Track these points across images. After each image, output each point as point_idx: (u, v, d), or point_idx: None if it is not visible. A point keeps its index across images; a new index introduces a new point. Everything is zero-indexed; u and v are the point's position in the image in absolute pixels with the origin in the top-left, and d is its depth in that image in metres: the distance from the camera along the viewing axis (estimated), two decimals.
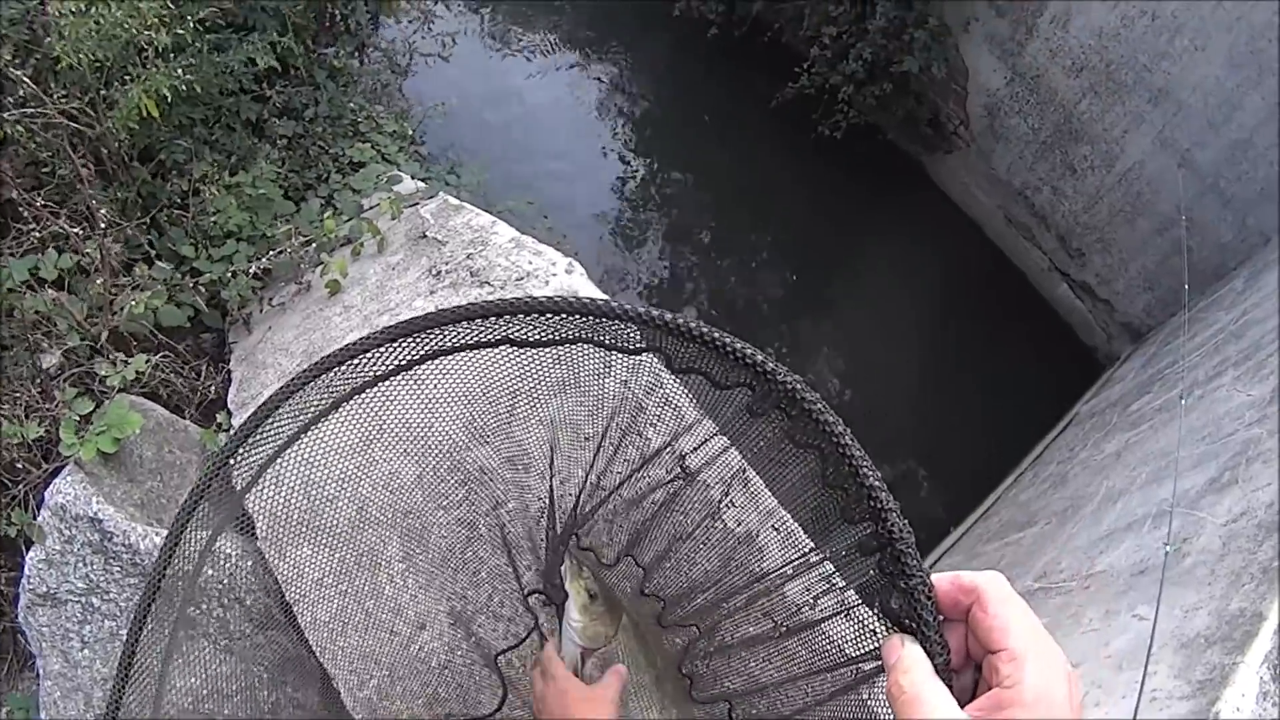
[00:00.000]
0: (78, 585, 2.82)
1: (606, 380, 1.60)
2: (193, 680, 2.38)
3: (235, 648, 2.92)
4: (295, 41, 4.67)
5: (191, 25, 3.59)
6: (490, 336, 1.33)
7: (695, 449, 1.66)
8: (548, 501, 1.87)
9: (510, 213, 5.34)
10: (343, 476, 2.97)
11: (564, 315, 1.24)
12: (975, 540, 5.48)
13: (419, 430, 2.23)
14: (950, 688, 0.76)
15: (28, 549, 2.79)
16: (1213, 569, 3.20)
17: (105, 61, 3.45)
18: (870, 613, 0.95)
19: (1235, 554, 3.18)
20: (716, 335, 1.08)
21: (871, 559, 0.90)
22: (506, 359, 1.69)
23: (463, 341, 1.34)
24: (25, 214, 3.19)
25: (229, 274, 3.85)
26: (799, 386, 0.95)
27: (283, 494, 2.87)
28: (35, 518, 2.80)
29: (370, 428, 2.95)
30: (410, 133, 5.41)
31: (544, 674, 1.56)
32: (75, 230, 3.27)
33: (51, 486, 2.82)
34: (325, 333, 3.80)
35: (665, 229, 7.64)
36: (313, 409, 1.40)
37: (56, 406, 3.02)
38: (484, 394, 2.00)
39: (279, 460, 1.49)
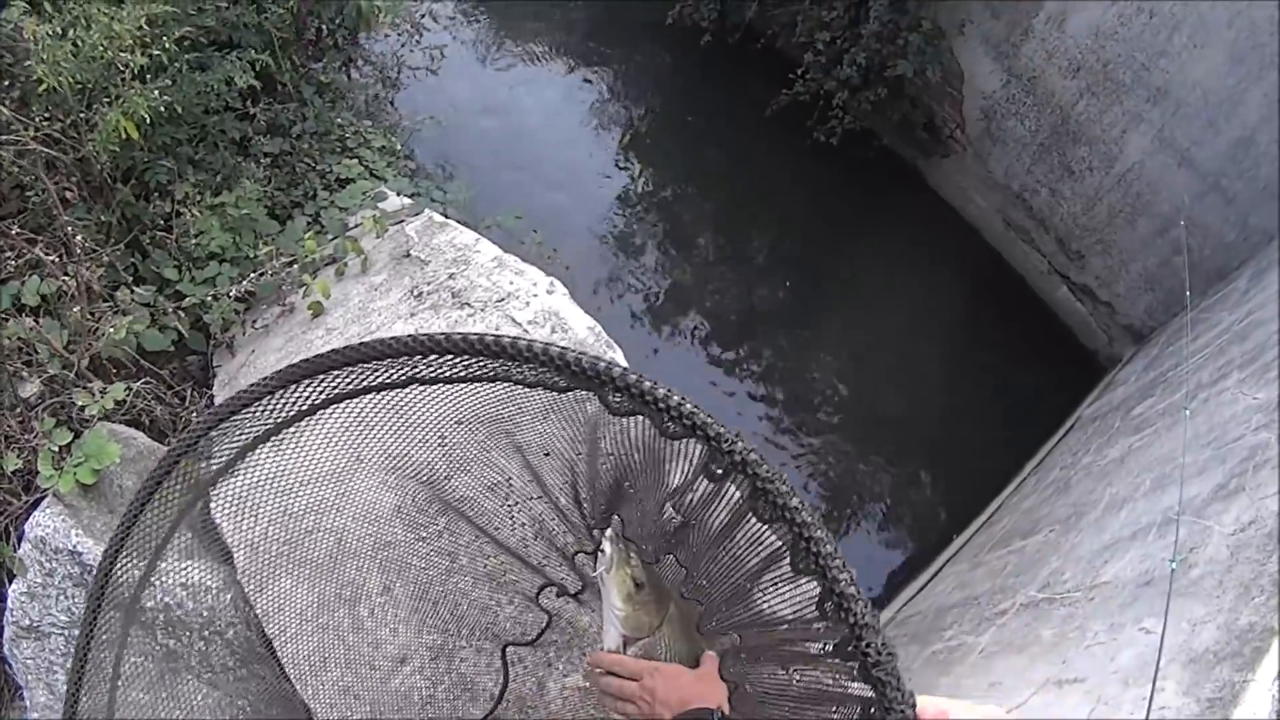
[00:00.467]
0: (60, 618, 2.78)
1: (589, 405, 1.54)
2: (176, 713, 2.33)
3: (219, 681, 2.86)
4: (281, 58, 4.63)
5: (168, 46, 3.54)
6: (401, 377, 1.29)
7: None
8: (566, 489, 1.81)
9: (499, 227, 5.28)
10: (321, 507, 2.92)
11: (479, 357, 1.20)
12: (978, 548, 5.41)
13: (398, 460, 2.17)
14: None
15: (10, 581, 2.76)
16: (1221, 580, 3.12)
17: (86, 83, 3.42)
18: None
19: (1244, 564, 3.10)
20: (650, 387, 1.05)
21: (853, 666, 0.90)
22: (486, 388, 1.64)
23: (384, 381, 1.30)
24: (1, 242, 3.15)
25: (212, 296, 3.81)
26: (747, 453, 0.94)
27: (261, 525, 2.82)
28: (16, 550, 2.76)
29: (348, 457, 2.89)
30: (399, 147, 5.37)
31: (647, 672, 1.51)
32: (52, 258, 3.22)
33: (31, 519, 2.79)
34: (307, 356, 3.73)
35: (661, 237, 7.59)
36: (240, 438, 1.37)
37: (35, 437, 2.98)
38: (462, 422, 1.94)
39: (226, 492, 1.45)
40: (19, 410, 2.99)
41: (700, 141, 8.53)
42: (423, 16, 5.97)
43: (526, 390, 1.31)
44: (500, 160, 7.60)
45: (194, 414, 3.74)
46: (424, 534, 2.62)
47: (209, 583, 2.95)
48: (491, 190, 6.77)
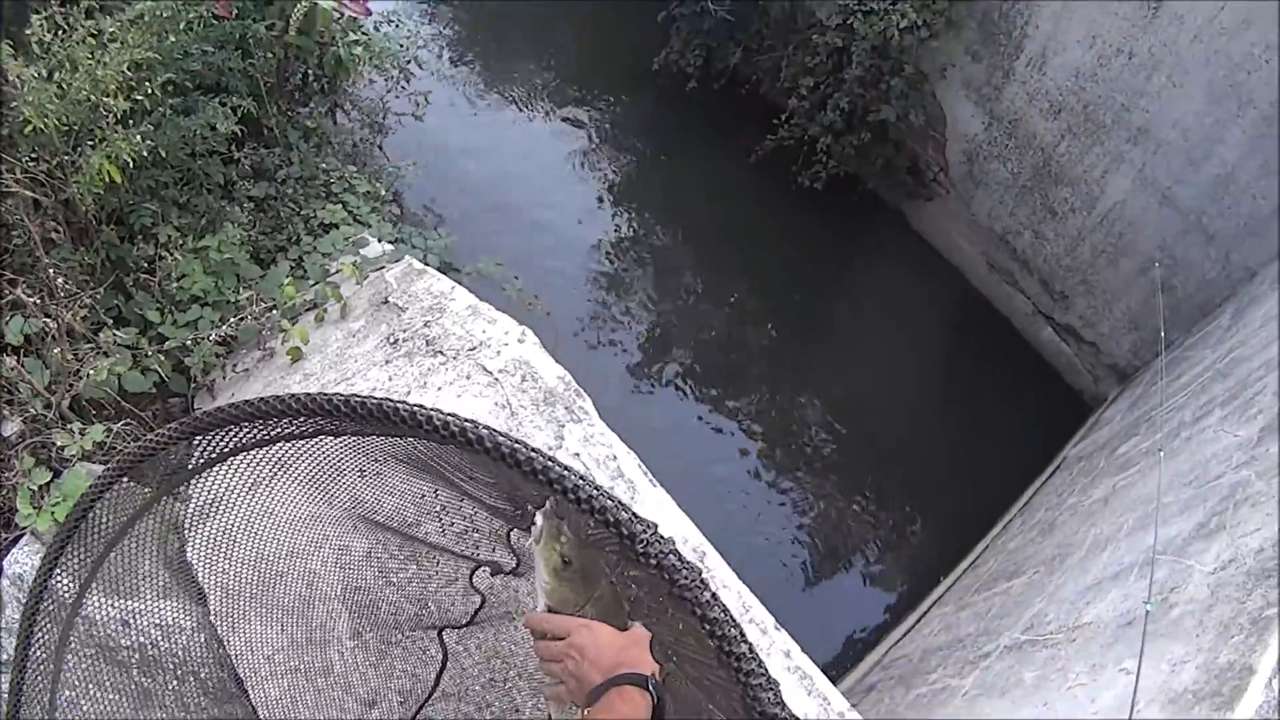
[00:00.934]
0: (37, 655, 2.76)
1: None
2: None
3: None
4: (267, 102, 4.67)
5: (153, 90, 3.57)
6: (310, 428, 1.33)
7: None
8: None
9: (480, 274, 5.30)
10: (293, 551, 2.92)
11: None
12: (964, 590, 5.39)
13: (370, 506, 2.18)
14: None
15: None
16: (1201, 620, 3.12)
17: (71, 126, 3.44)
18: None
19: (1224, 603, 3.09)
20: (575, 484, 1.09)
21: None
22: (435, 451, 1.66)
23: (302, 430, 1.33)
24: None
25: (193, 340, 3.81)
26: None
27: (235, 567, 2.82)
28: None
29: (320, 503, 2.90)
30: (383, 193, 5.38)
31: (574, 629, 1.47)
32: (34, 299, 3.23)
33: (9, 556, 2.79)
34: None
35: (645, 282, 7.62)
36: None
37: (15, 475, 2.98)
38: (435, 468, 1.95)
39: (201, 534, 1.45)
40: None
41: (685, 186, 8.59)
42: (408, 62, 6.02)
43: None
44: (484, 205, 7.65)
45: (173, 457, 3.73)
46: (394, 579, 2.62)
47: (183, 623, 2.93)
48: (474, 235, 6.81)
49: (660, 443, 6.26)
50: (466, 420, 1.22)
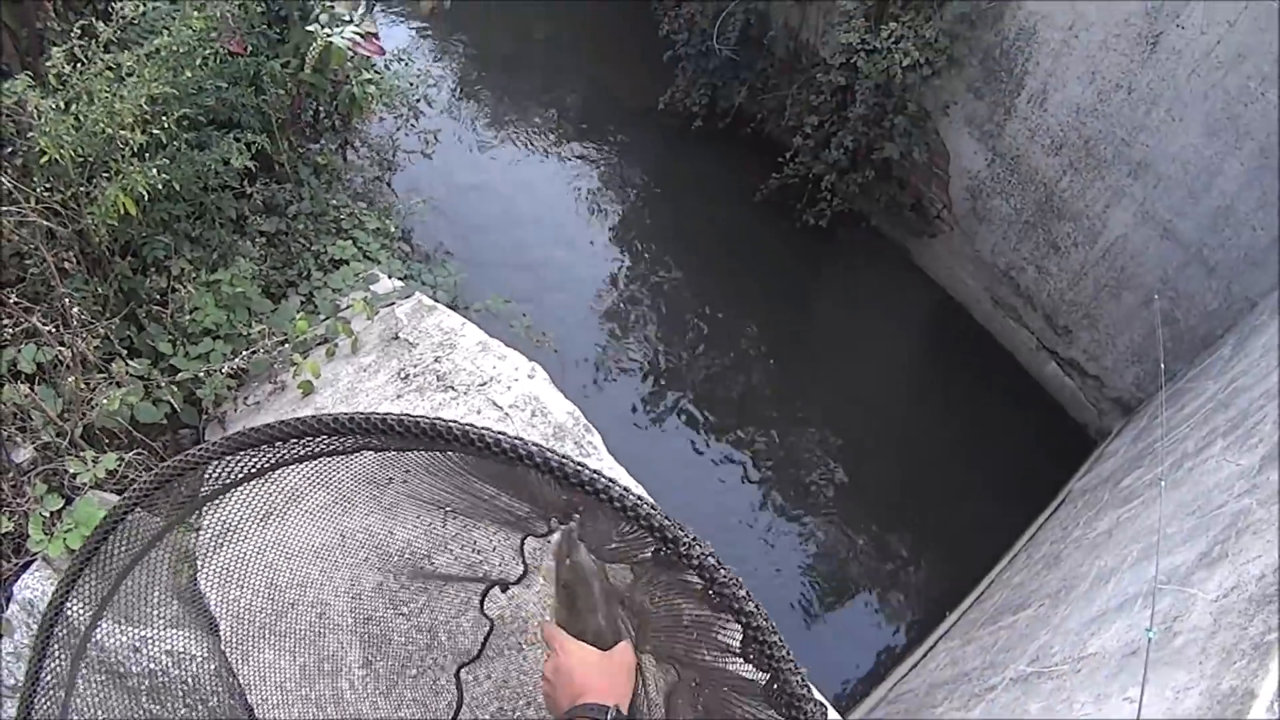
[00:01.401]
0: (46, 680, 2.78)
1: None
2: None
3: None
4: (279, 138, 4.74)
5: (168, 125, 3.64)
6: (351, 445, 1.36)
7: None
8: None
9: (488, 310, 5.35)
10: (305, 581, 2.96)
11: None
12: (970, 625, 5.38)
13: (381, 537, 2.21)
14: None
15: None
16: (1204, 647, 3.12)
17: (87, 157, 3.51)
18: None
19: (1226, 630, 3.10)
20: (605, 485, 1.14)
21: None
22: (466, 466, 1.69)
23: (335, 448, 1.36)
24: None
25: (205, 372, 3.86)
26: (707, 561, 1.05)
27: (247, 597, 2.85)
28: (4, 612, 2.79)
29: (332, 534, 2.94)
30: (393, 229, 5.45)
31: (559, 649, 1.49)
32: (49, 328, 3.28)
33: (20, 581, 2.82)
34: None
35: (654, 319, 7.67)
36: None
37: (27, 502, 3.02)
38: (446, 500, 1.99)
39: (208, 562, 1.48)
40: (11, 475, 3.03)
41: (691, 224, 8.66)
42: (418, 100, 6.11)
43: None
44: (492, 242, 7.73)
45: (184, 486, 3.77)
46: (405, 610, 2.65)
47: (194, 651, 2.96)
48: (483, 272, 6.88)
49: (667, 476, 6.28)
50: (517, 439, 1.26)
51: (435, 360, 3.95)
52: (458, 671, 2.53)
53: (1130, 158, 5.99)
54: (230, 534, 3.38)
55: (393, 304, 4.43)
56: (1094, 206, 6.34)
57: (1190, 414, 5.01)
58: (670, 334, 7.59)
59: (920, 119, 7.19)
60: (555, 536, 1.57)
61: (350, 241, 5.01)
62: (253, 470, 1.47)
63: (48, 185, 3.45)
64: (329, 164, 5.43)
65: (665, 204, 8.89)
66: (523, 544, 2.20)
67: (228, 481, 1.42)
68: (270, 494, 3.57)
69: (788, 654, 1.04)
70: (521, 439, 1.27)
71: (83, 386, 3.34)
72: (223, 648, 2.97)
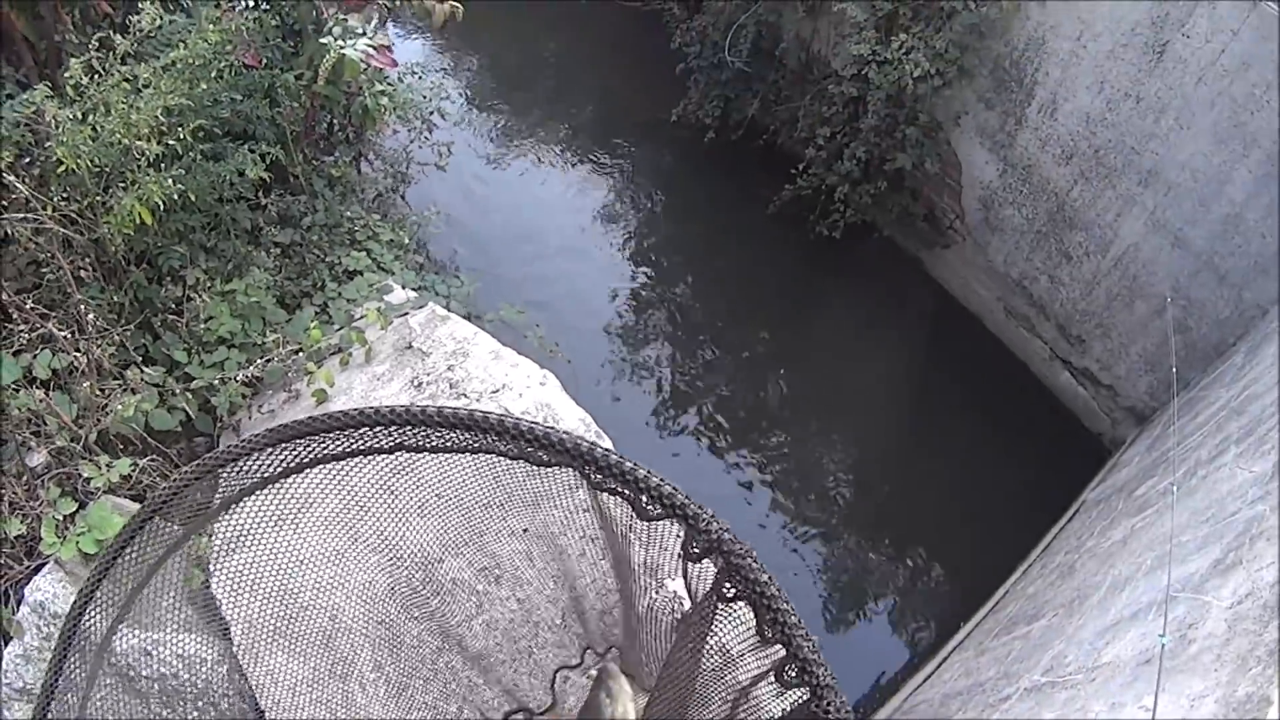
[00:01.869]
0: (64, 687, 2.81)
1: (578, 493, 1.60)
2: None
3: None
4: (293, 151, 4.79)
5: (184, 136, 3.68)
6: (388, 443, 1.37)
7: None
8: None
9: (502, 321, 5.38)
10: (317, 585, 2.98)
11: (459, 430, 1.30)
12: (984, 635, 5.36)
13: (393, 541, 2.23)
14: None
15: (6, 644, 2.81)
16: (1219, 654, 3.11)
17: (104, 167, 3.56)
18: None
19: (1241, 637, 3.08)
20: (631, 467, 1.15)
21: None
22: (478, 471, 1.70)
23: (359, 447, 1.37)
24: (15, 315, 3.26)
25: (220, 380, 3.90)
26: (724, 533, 1.06)
27: (259, 601, 2.87)
28: (15, 613, 2.81)
29: (345, 539, 2.96)
30: (407, 241, 5.48)
31: None
32: (64, 333, 3.32)
33: (32, 583, 2.85)
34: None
35: (667, 330, 7.68)
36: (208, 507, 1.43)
37: (40, 505, 3.05)
38: (456, 506, 2.01)
39: (232, 563, 1.50)
40: (25, 478, 3.06)
41: (704, 236, 8.69)
42: (431, 114, 6.16)
43: (510, 464, 1.38)
44: (505, 254, 7.77)
45: (198, 495, 3.81)
46: (416, 614, 2.66)
47: (205, 655, 2.98)
48: (496, 283, 6.91)
49: (680, 485, 6.24)
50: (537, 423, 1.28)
51: (448, 368, 3.99)
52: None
53: (1140, 166, 5.98)
54: (242, 540, 3.41)
55: (406, 314, 4.47)
56: (1105, 215, 6.33)
57: (1203, 422, 4.98)
58: (683, 345, 7.60)
59: (932, 129, 7.20)
60: (596, 671, 1.60)
61: (364, 253, 5.05)
62: (288, 467, 1.48)
63: (65, 194, 3.50)
64: (343, 176, 5.48)
65: (678, 215, 8.91)
66: (555, 676, 2.22)
67: (262, 477, 1.43)
68: (283, 500, 3.60)
69: (800, 622, 1.06)
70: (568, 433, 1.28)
71: (98, 393, 3.38)
72: (235, 651, 3.00)
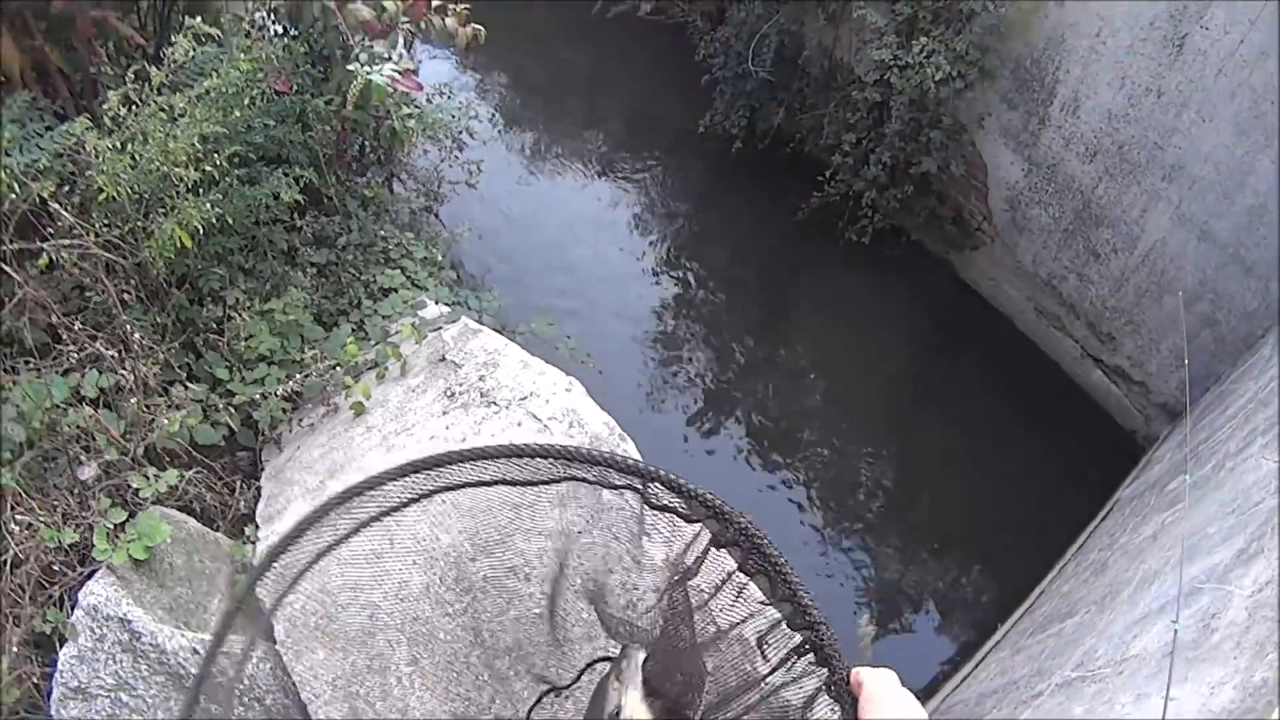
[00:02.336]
0: (107, 681, 2.96)
1: (602, 492, 1.69)
2: None
3: None
4: (327, 173, 4.93)
5: (220, 162, 3.82)
6: (488, 477, 1.45)
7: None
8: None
9: (533, 333, 5.47)
10: (356, 584, 3.08)
11: (552, 460, 1.38)
12: (1019, 635, 5.37)
13: (427, 543, 2.35)
14: None
15: (61, 645, 2.95)
16: (1238, 642, 3.14)
17: (144, 194, 3.71)
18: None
19: (1260, 624, 3.11)
20: (685, 485, 1.25)
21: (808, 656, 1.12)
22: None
23: (464, 480, 1.46)
24: (64, 336, 3.42)
25: (261, 395, 4.03)
26: (750, 524, 1.12)
27: (300, 601, 2.99)
28: (69, 617, 2.96)
29: (383, 540, 3.06)
30: (440, 258, 5.59)
31: None
32: (111, 353, 3.47)
33: (85, 588, 3.00)
34: (347, 451, 3.99)
35: (699, 339, 7.75)
36: (327, 536, 1.53)
37: (92, 515, 3.19)
38: (486, 508, 2.12)
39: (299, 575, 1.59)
40: (76, 491, 3.21)
41: (734, 245, 8.76)
42: (461, 132, 6.28)
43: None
44: (537, 268, 7.88)
45: (241, 503, 3.96)
46: (450, 610, 2.77)
47: (250, 653, 3.10)
48: (527, 297, 7.01)
49: (716, 490, 6.26)
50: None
51: (479, 379, 4.11)
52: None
53: (1164, 161, 5.98)
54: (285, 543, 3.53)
55: (440, 328, 4.59)
56: (1131, 212, 6.32)
57: (1232, 414, 4.98)
58: (715, 352, 7.66)
59: (956, 132, 7.23)
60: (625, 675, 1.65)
61: (399, 270, 5.16)
62: (408, 499, 1.57)
63: (106, 221, 3.64)
64: (376, 196, 5.61)
65: (708, 225, 8.98)
66: (584, 668, 2.30)
67: (387, 507, 1.52)
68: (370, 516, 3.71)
69: (813, 601, 1.14)
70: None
71: (144, 409, 3.53)
72: (279, 649, 3.13)
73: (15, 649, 2.90)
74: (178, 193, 3.73)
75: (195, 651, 2.97)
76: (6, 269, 3.31)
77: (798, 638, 1.13)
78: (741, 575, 1.30)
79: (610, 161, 9.43)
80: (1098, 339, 7.01)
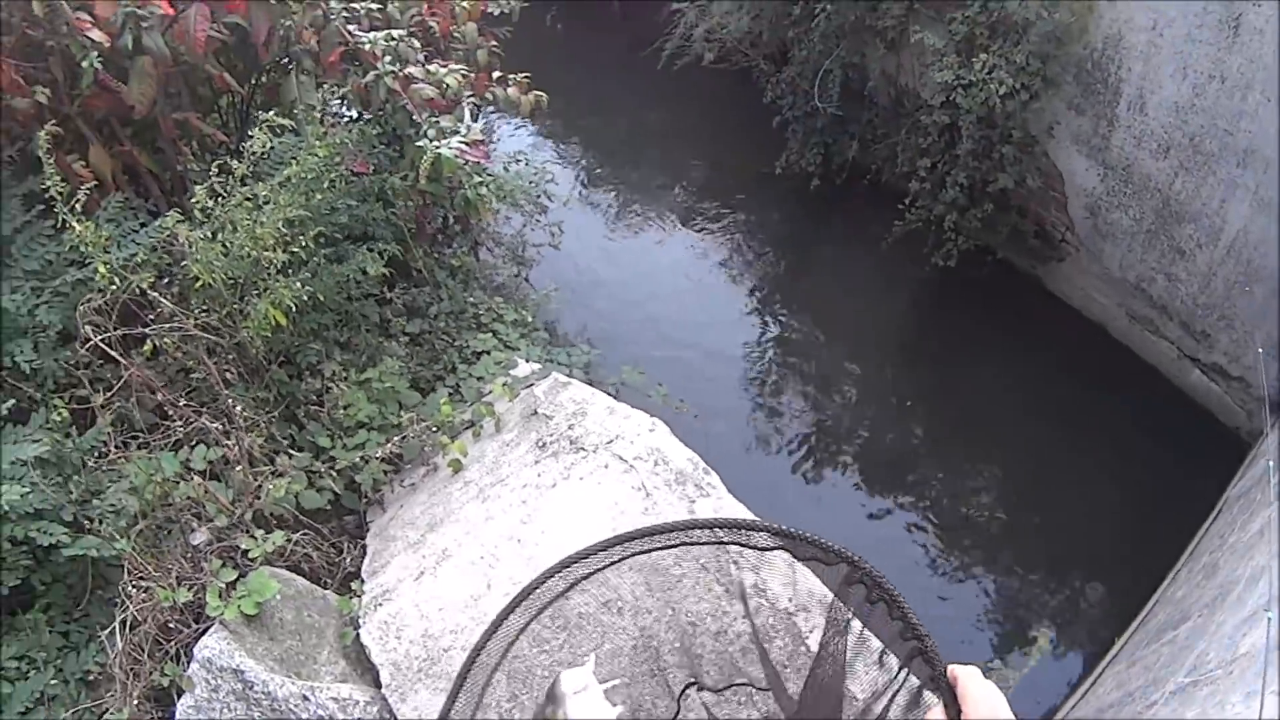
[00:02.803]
0: None
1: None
2: None
3: None
4: (413, 246, 5.21)
5: (306, 243, 4.11)
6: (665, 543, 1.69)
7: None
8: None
9: (625, 384, 5.61)
10: (456, 628, 3.30)
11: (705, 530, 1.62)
12: (1135, 646, 5.26)
13: (522, 582, 2.53)
14: None
15: (179, 697, 3.19)
16: None
17: (237, 278, 4.02)
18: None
19: None
20: (823, 541, 1.45)
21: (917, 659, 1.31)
22: None
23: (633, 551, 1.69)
24: (171, 413, 3.71)
25: (362, 458, 4.27)
26: (871, 569, 1.38)
27: (404, 645, 3.22)
28: (185, 670, 3.20)
29: (480, 584, 3.28)
30: (531, 319, 5.78)
31: None
32: (216, 426, 3.75)
33: (200, 643, 3.24)
34: (446, 505, 4.21)
35: (797, 379, 7.80)
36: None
37: (204, 576, 3.46)
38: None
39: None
40: (190, 555, 3.48)
41: (823, 282, 8.82)
42: (539, 196, 6.53)
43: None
44: (627, 321, 8.08)
45: (348, 560, 4.20)
46: (546, 648, 2.92)
47: (357, 696, 3.31)
48: (623, 350, 7.17)
49: (834, 535, 6.27)
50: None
51: (569, 427, 4.30)
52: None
53: (1236, 147, 5.83)
54: (387, 595, 3.77)
55: (531, 384, 4.80)
56: (1210, 204, 6.18)
57: None
58: (815, 392, 7.70)
59: (1028, 144, 7.19)
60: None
61: (490, 334, 5.37)
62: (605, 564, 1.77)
63: (204, 306, 3.95)
64: (463, 265, 5.88)
65: (794, 264, 9.05)
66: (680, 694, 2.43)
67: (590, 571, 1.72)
68: (423, 557, 3.96)
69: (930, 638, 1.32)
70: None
71: (250, 478, 3.80)
72: (384, 692, 3.33)
73: (136, 702, 3.14)
74: (269, 274, 4.02)
75: (305, 698, 3.17)
76: (112, 353, 3.62)
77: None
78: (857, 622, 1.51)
79: (692, 211, 9.61)
80: (1192, 338, 6.83)
